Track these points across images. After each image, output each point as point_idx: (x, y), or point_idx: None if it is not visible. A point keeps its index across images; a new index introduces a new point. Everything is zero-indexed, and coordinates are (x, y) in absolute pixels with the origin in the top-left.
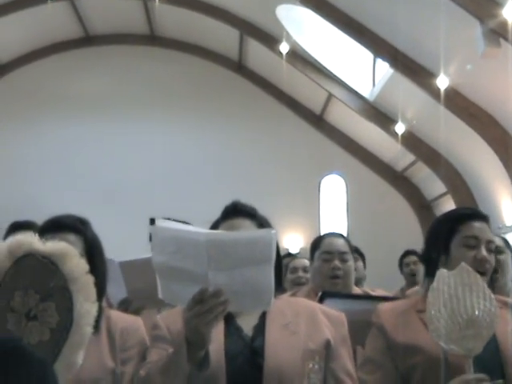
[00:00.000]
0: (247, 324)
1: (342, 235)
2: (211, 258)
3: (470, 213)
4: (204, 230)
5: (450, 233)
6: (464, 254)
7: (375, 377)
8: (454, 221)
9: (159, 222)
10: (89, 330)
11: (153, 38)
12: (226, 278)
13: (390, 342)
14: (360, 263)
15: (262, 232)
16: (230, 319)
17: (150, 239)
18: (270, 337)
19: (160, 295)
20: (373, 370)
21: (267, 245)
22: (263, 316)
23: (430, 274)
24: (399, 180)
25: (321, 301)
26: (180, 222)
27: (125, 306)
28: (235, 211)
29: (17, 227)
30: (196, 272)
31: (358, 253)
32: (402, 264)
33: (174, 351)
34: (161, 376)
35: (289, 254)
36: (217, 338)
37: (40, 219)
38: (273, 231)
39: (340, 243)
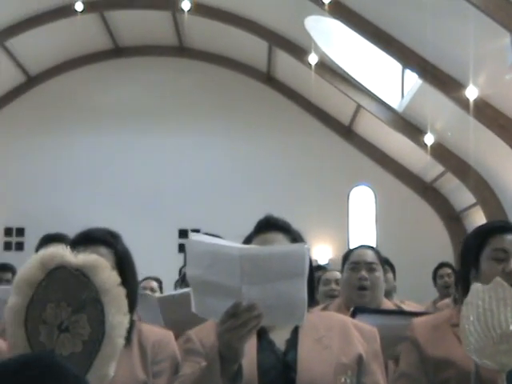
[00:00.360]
0: (280, 338)
1: (371, 247)
2: (245, 272)
3: (500, 225)
4: (238, 245)
5: (479, 246)
6: (492, 267)
7: None
8: (484, 234)
9: (193, 236)
10: (121, 341)
11: (181, 50)
12: (260, 292)
13: (424, 356)
14: (390, 275)
15: (296, 246)
16: (262, 333)
17: (179, 250)
18: (303, 351)
19: (193, 309)
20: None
21: (300, 259)
22: (296, 330)
23: (462, 287)
24: (428, 191)
25: (353, 316)
26: (211, 235)
27: None
28: (268, 225)
29: (48, 240)
30: (230, 286)
31: (388, 264)
32: (435, 276)
33: (207, 365)
34: None
35: (319, 267)
36: (249, 352)
37: (69, 231)
38: (306, 245)
39: (368, 254)
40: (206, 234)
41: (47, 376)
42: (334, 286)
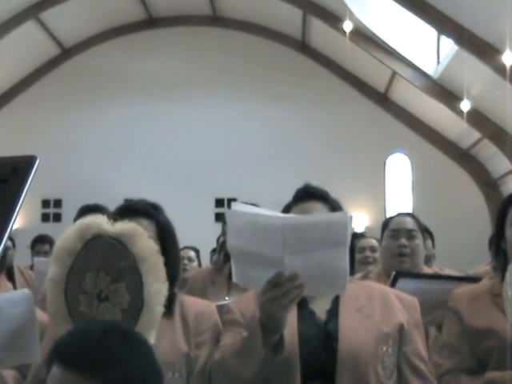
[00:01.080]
0: (320, 308)
1: (411, 214)
2: (287, 241)
3: None
4: (279, 214)
5: (503, 213)
6: None
7: (453, 361)
8: (508, 201)
9: (234, 206)
10: (160, 309)
11: (215, 19)
12: (302, 261)
13: (466, 327)
14: (429, 242)
15: (338, 215)
16: (302, 303)
17: (216, 219)
18: (344, 320)
19: (234, 279)
20: (450, 354)
21: (343, 228)
22: (336, 300)
23: (495, 255)
24: (465, 158)
25: (394, 280)
26: (249, 204)
27: None
28: (307, 194)
29: (87, 210)
30: (271, 256)
31: (426, 231)
32: (491, 244)
33: (248, 335)
34: (235, 359)
35: (355, 235)
36: (290, 321)
37: (106, 202)
38: (348, 214)
39: (407, 221)
40: (244, 203)
41: (126, 340)
42: (368, 253)
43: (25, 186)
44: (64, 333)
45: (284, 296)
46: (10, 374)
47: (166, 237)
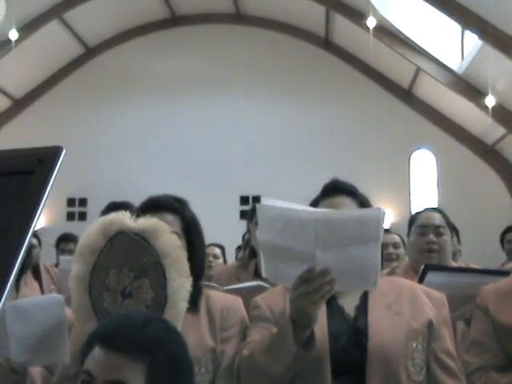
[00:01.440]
0: (349, 304)
1: (438, 210)
2: (319, 236)
3: None
4: (311, 209)
5: None
6: None
7: (482, 358)
8: None
9: (265, 201)
10: (184, 304)
11: (238, 17)
12: (334, 256)
13: (495, 324)
14: (454, 238)
15: (371, 210)
16: (331, 300)
17: (241, 217)
18: (374, 317)
19: (263, 274)
20: (479, 352)
21: (376, 223)
22: (365, 296)
23: None
24: (490, 154)
25: (423, 274)
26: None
27: None
28: (335, 189)
29: (113, 207)
30: (303, 251)
31: (452, 227)
32: (503, 240)
33: (278, 331)
34: (265, 355)
35: None
36: (320, 318)
37: (131, 200)
38: (382, 209)
39: (435, 217)
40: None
41: (166, 328)
42: (391, 249)
43: (51, 176)
44: (89, 330)
45: (315, 291)
46: (37, 372)
47: (191, 231)
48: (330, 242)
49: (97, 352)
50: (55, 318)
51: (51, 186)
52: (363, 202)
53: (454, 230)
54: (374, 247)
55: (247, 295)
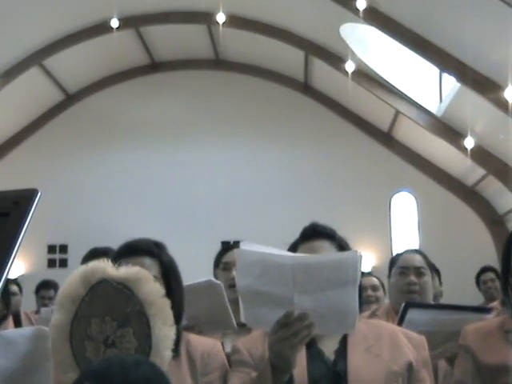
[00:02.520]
0: (328, 348)
1: (419, 251)
2: (297, 281)
3: None
4: (289, 253)
5: (509, 248)
6: None
7: None
8: None
9: (243, 245)
10: (168, 354)
11: (218, 62)
12: (312, 300)
13: (479, 364)
14: (436, 279)
15: (348, 254)
16: (311, 343)
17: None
18: (353, 360)
19: (242, 319)
20: None
21: (353, 266)
22: (344, 340)
23: (504, 290)
24: (470, 195)
25: (404, 311)
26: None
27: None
28: (314, 233)
29: (95, 254)
30: (281, 295)
31: (433, 269)
32: (478, 281)
33: (258, 375)
34: None
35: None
36: (299, 361)
37: (113, 244)
38: (359, 253)
39: (416, 258)
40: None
41: (156, 371)
42: (370, 292)
43: (27, 218)
44: (71, 380)
45: (294, 336)
46: None
47: (170, 275)
48: (308, 286)
49: None
50: (40, 350)
51: (27, 228)
52: (342, 245)
53: (436, 271)
54: (351, 290)
55: (206, 325)
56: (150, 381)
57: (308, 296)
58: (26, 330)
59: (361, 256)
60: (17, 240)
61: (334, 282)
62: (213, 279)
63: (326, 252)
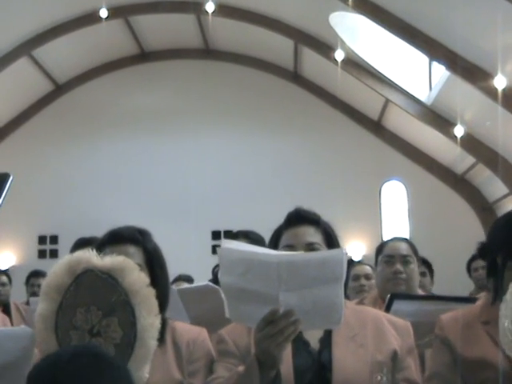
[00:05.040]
0: (313, 337)
1: (405, 239)
2: (282, 278)
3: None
4: (273, 251)
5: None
6: None
7: None
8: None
9: (226, 244)
10: (153, 343)
11: (207, 52)
12: (297, 298)
13: (457, 356)
14: (427, 279)
15: (334, 252)
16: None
17: (213, 252)
18: (337, 350)
19: (227, 314)
20: None
21: (339, 264)
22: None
23: (488, 275)
24: (460, 183)
25: (390, 303)
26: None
27: None
28: (299, 218)
29: (82, 244)
30: (266, 293)
31: (426, 266)
32: (469, 269)
33: (245, 371)
34: None
35: (351, 262)
36: (285, 354)
37: (102, 235)
38: (344, 251)
39: (402, 247)
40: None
41: (96, 364)
42: (363, 281)
43: None
44: None
45: (279, 333)
46: None
47: (154, 263)
48: (293, 283)
49: None
50: (23, 350)
51: None
52: (327, 230)
53: (429, 268)
54: (337, 287)
55: (210, 325)
56: (81, 379)
57: (293, 294)
58: (13, 330)
59: (346, 254)
60: None
61: (319, 280)
62: (210, 284)
63: (310, 237)
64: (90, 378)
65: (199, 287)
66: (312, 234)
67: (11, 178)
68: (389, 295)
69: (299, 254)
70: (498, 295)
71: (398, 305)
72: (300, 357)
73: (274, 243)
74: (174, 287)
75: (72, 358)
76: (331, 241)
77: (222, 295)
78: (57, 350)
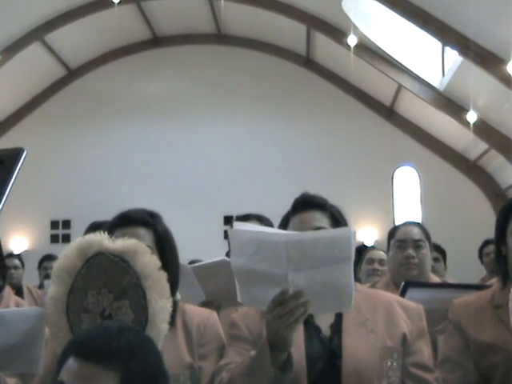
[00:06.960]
0: (324, 323)
1: (417, 223)
2: (291, 258)
3: None
4: (282, 231)
5: (505, 219)
6: None
7: (455, 376)
8: (509, 207)
9: (237, 225)
10: (165, 326)
11: (219, 37)
12: (306, 278)
13: (468, 340)
14: (441, 264)
15: (341, 230)
16: (307, 319)
17: (225, 237)
18: (348, 337)
19: (239, 298)
20: (452, 368)
21: (347, 243)
22: (339, 313)
23: (497, 261)
24: (472, 169)
25: (404, 290)
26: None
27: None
28: (305, 204)
29: (95, 227)
30: (275, 274)
31: (439, 252)
32: (481, 254)
33: (257, 354)
34: (245, 379)
35: (365, 247)
36: (297, 340)
37: None
38: (352, 229)
39: (414, 231)
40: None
41: (140, 337)
42: (377, 265)
43: (11, 177)
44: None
45: (289, 314)
46: (12, 382)
47: (164, 245)
48: (302, 263)
49: (70, 362)
50: (34, 329)
51: (12, 186)
52: (333, 214)
53: (442, 254)
54: (346, 267)
55: (226, 299)
56: (133, 350)
57: (302, 273)
58: (24, 310)
59: (354, 232)
60: (1, 198)
61: (327, 259)
62: (226, 258)
63: (317, 222)
64: (141, 349)
65: (216, 262)
66: (318, 219)
67: (25, 153)
68: (403, 283)
69: (307, 233)
70: (507, 279)
71: (411, 293)
72: (312, 344)
73: (283, 230)
74: (186, 264)
75: (122, 330)
76: (338, 224)
77: None
78: (97, 324)
